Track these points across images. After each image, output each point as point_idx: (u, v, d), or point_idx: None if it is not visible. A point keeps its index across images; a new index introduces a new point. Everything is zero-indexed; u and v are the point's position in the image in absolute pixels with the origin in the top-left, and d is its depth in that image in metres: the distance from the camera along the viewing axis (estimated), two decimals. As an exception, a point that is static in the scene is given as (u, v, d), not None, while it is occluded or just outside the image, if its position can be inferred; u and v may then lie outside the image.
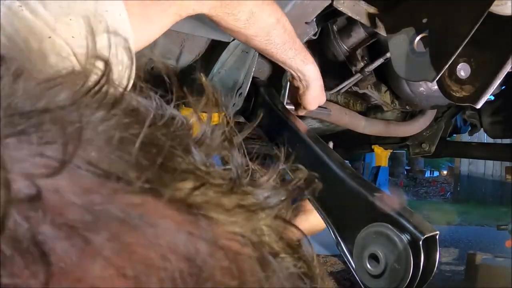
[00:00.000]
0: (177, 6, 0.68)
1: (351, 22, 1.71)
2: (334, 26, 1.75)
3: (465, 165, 9.87)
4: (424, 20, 1.09)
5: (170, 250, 0.19)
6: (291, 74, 1.18)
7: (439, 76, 1.06)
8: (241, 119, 1.36)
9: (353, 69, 1.79)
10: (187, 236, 0.20)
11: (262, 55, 1.12)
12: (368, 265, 0.82)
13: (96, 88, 0.22)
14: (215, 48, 1.44)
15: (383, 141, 3.09)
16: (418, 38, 1.10)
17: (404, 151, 10.08)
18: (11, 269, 0.16)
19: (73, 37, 0.43)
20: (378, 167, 5.52)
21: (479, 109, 2.55)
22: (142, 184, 0.20)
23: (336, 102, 2.17)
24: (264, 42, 0.95)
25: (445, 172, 12.79)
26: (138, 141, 0.21)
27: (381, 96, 2.11)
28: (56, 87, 0.22)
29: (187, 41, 1.45)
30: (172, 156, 0.22)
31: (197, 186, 0.22)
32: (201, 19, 0.91)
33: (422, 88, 1.94)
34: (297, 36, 1.07)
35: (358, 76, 1.82)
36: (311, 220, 1.09)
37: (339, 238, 0.91)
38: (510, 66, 1.03)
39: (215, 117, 0.29)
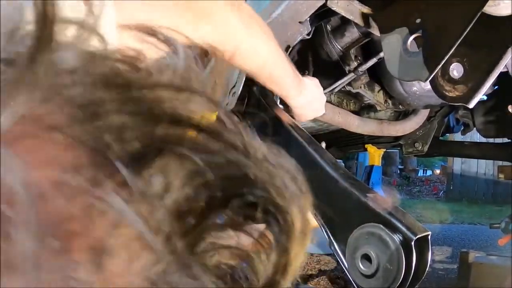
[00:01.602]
0: None
1: (344, 22, 1.71)
2: (327, 26, 1.75)
3: (458, 164, 9.90)
4: (418, 20, 1.09)
5: None
6: None
7: (432, 76, 1.06)
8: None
9: (347, 68, 1.79)
10: None
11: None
12: (361, 265, 0.82)
13: None
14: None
15: (376, 140, 3.09)
16: (411, 38, 1.10)
17: (397, 150, 10.10)
18: None
19: None
20: (371, 166, 5.54)
21: (472, 108, 2.56)
22: None
23: (330, 102, 2.17)
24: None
25: (438, 171, 12.83)
26: None
27: (374, 96, 2.12)
28: None
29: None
30: None
31: None
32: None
33: (415, 88, 1.94)
34: (289, 36, 1.07)
35: (351, 76, 1.82)
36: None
37: (331, 238, 0.91)
38: (503, 66, 1.04)
39: (212, 116, 0.29)
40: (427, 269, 0.78)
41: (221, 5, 0.76)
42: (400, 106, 2.21)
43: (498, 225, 3.16)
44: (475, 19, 0.97)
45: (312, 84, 1.20)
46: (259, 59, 0.90)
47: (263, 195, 0.23)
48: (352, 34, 1.73)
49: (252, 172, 0.23)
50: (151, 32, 0.25)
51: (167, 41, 0.25)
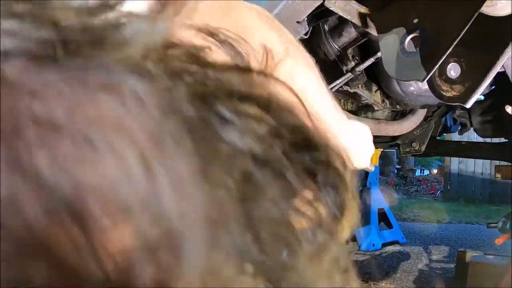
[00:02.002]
0: None
1: (342, 22, 1.71)
2: (325, 26, 1.75)
3: (455, 164, 9.92)
4: (415, 20, 1.09)
5: None
6: None
7: (429, 76, 1.06)
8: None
9: (344, 68, 1.79)
10: None
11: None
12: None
13: None
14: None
15: (374, 140, 3.08)
16: (408, 38, 1.10)
17: (394, 150, 10.11)
18: None
19: None
20: (369, 166, 5.56)
21: (469, 108, 2.56)
22: None
23: (327, 101, 2.17)
24: None
25: (435, 171, 12.84)
26: None
27: (371, 96, 2.12)
28: None
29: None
30: None
31: None
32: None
33: (412, 88, 1.94)
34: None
35: (349, 76, 1.82)
36: None
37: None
38: (500, 66, 1.04)
39: None
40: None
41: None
42: (398, 106, 2.22)
43: (495, 224, 3.16)
44: (473, 19, 0.97)
45: (362, 128, 1.09)
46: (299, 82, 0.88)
47: (326, 159, 0.24)
48: (349, 34, 1.73)
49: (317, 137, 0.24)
50: (212, 32, 0.25)
51: (228, 42, 0.25)
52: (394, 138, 2.78)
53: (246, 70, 0.24)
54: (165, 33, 0.21)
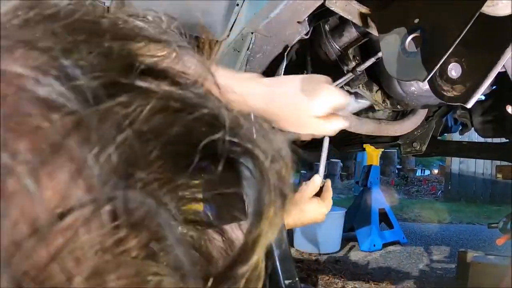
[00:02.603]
0: None
1: (343, 22, 1.71)
2: (326, 26, 1.75)
3: (456, 164, 9.92)
4: (416, 20, 1.09)
5: None
6: None
7: (430, 76, 1.06)
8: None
9: (345, 68, 1.79)
10: None
11: (254, 56, 1.12)
12: None
13: None
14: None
15: (375, 140, 3.09)
16: (409, 38, 1.10)
17: (395, 150, 10.12)
18: None
19: None
20: (370, 166, 5.55)
21: (470, 108, 2.56)
22: None
23: (328, 102, 2.17)
24: None
25: (436, 171, 12.85)
26: None
27: (372, 96, 2.12)
28: None
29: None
30: None
31: None
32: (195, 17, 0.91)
33: (413, 88, 1.94)
34: (288, 35, 1.07)
35: (349, 76, 1.82)
36: (307, 210, 1.07)
37: None
38: (501, 66, 1.04)
39: None
40: None
41: None
42: (398, 106, 2.21)
43: (496, 224, 3.16)
44: (474, 19, 0.97)
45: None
46: None
47: (243, 145, 0.24)
48: (350, 34, 1.73)
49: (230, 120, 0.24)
50: None
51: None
52: (395, 138, 2.78)
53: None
54: None
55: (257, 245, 0.24)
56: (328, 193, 1.07)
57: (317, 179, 1.05)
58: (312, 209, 1.02)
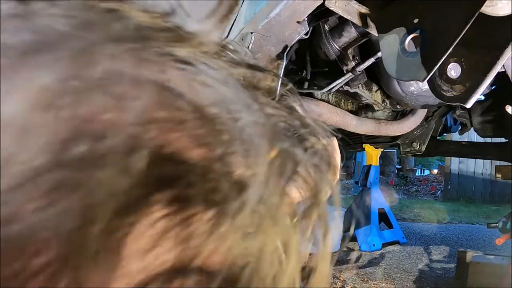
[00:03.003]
0: None
1: (342, 22, 1.71)
2: (325, 26, 1.75)
3: (456, 164, 9.93)
4: (415, 20, 1.09)
5: None
6: None
7: (429, 76, 1.06)
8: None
9: (344, 68, 1.79)
10: None
11: (253, 56, 1.12)
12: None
13: None
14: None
15: (374, 140, 3.10)
16: (409, 38, 1.11)
17: (394, 150, 10.13)
18: None
19: None
20: (369, 166, 5.55)
21: (469, 108, 2.56)
22: None
23: (327, 101, 2.18)
24: None
25: (435, 171, 12.85)
26: None
27: (372, 96, 2.12)
28: None
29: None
30: None
31: None
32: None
33: (412, 88, 1.94)
34: (287, 35, 1.07)
35: (349, 76, 1.83)
36: None
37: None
38: (500, 66, 1.04)
39: None
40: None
41: None
42: (398, 106, 2.22)
43: (495, 224, 3.16)
44: (473, 19, 0.97)
45: None
46: None
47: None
48: (350, 34, 1.73)
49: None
50: None
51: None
52: (394, 138, 2.78)
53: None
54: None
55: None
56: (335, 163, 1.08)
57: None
58: None
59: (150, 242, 0.18)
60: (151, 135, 0.18)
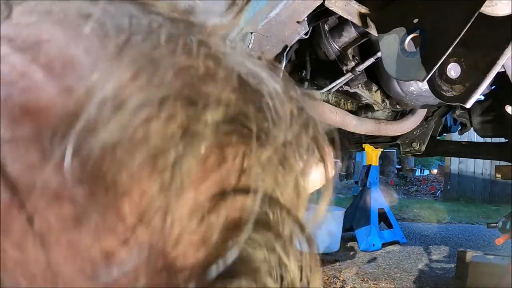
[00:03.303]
0: None
1: (342, 22, 1.71)
2: (325, 26, 1.75)
3: (455, 164, 9.93)
4: (415, 20, 1.09)
5: None
6: None
7: (429, 76, 1.06)
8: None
9: (344, 68, 1.79)
10: None
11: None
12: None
13: None
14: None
15: (374, 140, 3.10)
16: (409, 38, 1.11)
17: (394, 150, 10.13)
18: None
19: None
20: (369, 166, 5.55)
21: (469, 108, 2.56)
22: None
23: (327, 101, 2.17)
24: None
25: (435, 171, 12.85)
26: None
27: (371, 95, 2.12)
28: None
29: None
30: None
31: None
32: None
33: (412, 88, 1.94)
34: (287, 35, 1.07)
35: (349, 76, 1.82)
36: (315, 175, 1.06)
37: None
38: (500, 66, 1.04)
39: None
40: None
41: None
42: (398, 106, 2.22)
43: (495, 224, 3.17)
44: (473, 19, 0.97)
45: None
46: None
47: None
48: (349, 34, 1.73)
49: None
50: None
51: None
52: (394, 138, 2.78)
53: None
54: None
55: None
56: (330, 157, 1.08)
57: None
58: (319, 173, 1.02)
59: (203, 173, 0.21)
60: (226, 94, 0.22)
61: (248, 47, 1.34)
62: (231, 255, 0.22)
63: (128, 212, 0.19)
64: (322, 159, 0.29)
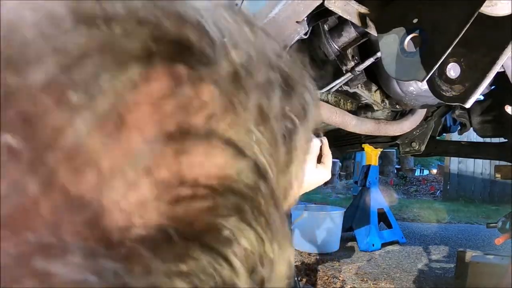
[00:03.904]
0: None
1: (342, 22, 1.71)
2: (325, 26, 1.75)
3: (455, 164, 9.93)
4: (415, 20, 1.09)
5: None
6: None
7: (429, 76, 1.06)
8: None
9: (344, 68, 1.79)
10: None
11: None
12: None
13: None
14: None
15: (374, 140, 3.10)
16: (408, 38, 1.10)
17: (394, 150, 10.14)
18: None
19: None
20: (368, 166, 5.55)
21: (468, 108, 2.57)
22: None
23: (327, 101, 2.18)
24: None
25: (435, 171, 12.86)
26: None
27: (371, 95, 2.12)
28: None
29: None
30: None
31: None
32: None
33: (412, 88, 1.94)
34: (287, 35, 1.06)
35: (348, 75, 1.82)
36: (312, 173, 1.06)
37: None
38: (500, 66, 1.04)
39: None
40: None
41: None
42: (397, 106, 2.22)
43: (495, 224, 3.16)
44: (472, 19, 0.97)
45: None
46: None
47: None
48: (349, 34, 1.73)
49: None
50: None
51: None
52: (393, 138, 2.78)
53: None
54: None
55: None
56: (328, 156, 1.07)
57: (317, 143, 1.04)
58: (317, 172, 1.02)
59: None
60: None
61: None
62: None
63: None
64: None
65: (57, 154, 0.18)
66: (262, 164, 0.23)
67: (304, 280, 4.14)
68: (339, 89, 1.97)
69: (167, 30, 0.21)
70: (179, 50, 0.21)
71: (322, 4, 1.24)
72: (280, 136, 0.25)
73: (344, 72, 1.80)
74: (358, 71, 1.79)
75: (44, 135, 0.18)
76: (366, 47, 1.78)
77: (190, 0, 0.24)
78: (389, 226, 5.59)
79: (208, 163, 0.21)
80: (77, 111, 0.18)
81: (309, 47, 1.83)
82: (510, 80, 1.27)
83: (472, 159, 9.02)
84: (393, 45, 1.13)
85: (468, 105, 1.09)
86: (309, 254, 5.10)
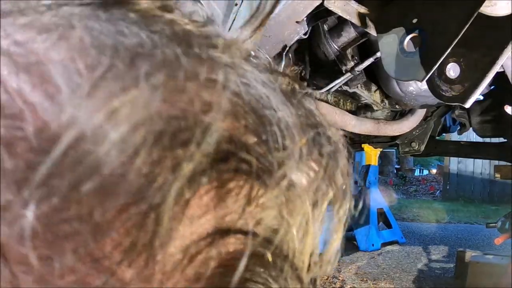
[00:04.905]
0: None
1: (341, 22, 1.71)
2: (324, 26, 1.75)
3: (454, 164, 9.93)
4: (414, 20, 1.09)
5: None
6: None
7: (428, 76, 1.06)
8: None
9: (343, 68, 1.79)
10: None
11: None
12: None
13: None
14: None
15: (373, 140, 3.10)
16: (408, 38, 1.10)
17: (393, 150, 10.14)
18: None
19: None
20: (368, 166, 5.56)
21: (468, 108, 2.56)
22: None
23: (326, 101, 2.18)
24: None
25: (434, 171, 12.85)
26: None
27: (371, 95, 2.12)
28: None
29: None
30: None
31: None
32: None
33: (411, 88, 1.94)
34: (286, 35, 1.07)
35: (348, 75, 1.83)
36: None
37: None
38: (499, 66, 1.04)
39: None
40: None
41: None
42: (397, 106, 2.22)
43: (494, 224, 3.17)
44: (472, 19, 0.97)
45: None
46: None
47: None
48: (349, 34, 1.73)
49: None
50: None
51: None
52: (393, 138, 2.78)
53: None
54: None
55: None
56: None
57: None
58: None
59: (200, 210, 0.21)
60: (221, 124, 0.21)
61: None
62: None
63: (111, 251, 0.18)
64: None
65: None
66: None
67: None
68: (339, 89, 1.97)
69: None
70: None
71: (321, 4, 1.24)
72: None
73: (343, 72, 1.80)
74: (358, 71, 1.79)
75: None
76: (366, 47, 1.78)
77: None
78: (388, 226, 5.59)
79: None
80: None
81: (309, 47, 1.83)
82: (510, 80, 1.27)
83: (472, 159, 9.02)
84: (392, 45, 1.14)
85: (467, 105, 1.09)
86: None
